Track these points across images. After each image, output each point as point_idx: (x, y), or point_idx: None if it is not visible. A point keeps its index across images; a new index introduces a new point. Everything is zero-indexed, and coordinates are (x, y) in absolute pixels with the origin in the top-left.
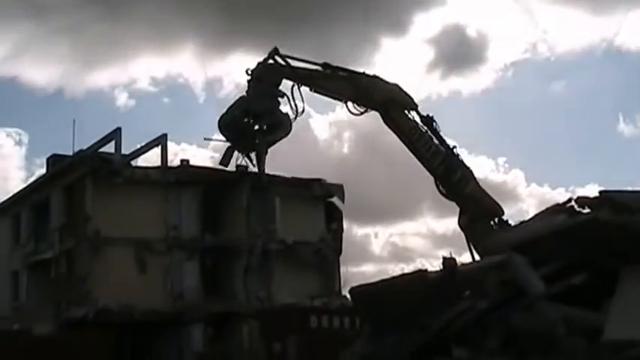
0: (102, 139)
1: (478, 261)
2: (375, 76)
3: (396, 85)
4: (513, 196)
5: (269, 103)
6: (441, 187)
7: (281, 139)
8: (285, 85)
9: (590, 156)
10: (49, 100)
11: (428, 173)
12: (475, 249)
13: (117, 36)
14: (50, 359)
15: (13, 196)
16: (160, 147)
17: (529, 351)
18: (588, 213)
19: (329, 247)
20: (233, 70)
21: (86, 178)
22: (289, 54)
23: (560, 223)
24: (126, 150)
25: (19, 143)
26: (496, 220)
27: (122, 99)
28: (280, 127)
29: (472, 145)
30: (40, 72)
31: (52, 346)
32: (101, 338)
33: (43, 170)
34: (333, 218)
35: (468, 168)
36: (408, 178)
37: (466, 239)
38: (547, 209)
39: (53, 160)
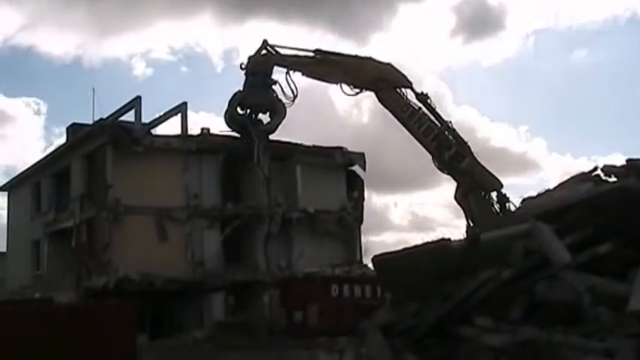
0: (121, 107)
1: (502, 230)
2: (367, 58)
3: (389, 65)
4: (535, 165)
5: (262, 93)
6: (436, 162)
7: (277, 125)
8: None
9: (613, 125)
10: (67, 69)
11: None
12: (472, 222)
13: (134, 3)
14: (73, 328)
15: (34, 165)
16: (179, 115)
17: (553, 321)
18: (615, 181)
19: (350, 216)
20: (251, 37)
21: (106, 146)
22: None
23: (586, 191)
24: (145, 119)
25: (37, 113)
26: (495, 194)
27: (140, 68)
28: (275, 113)
29: (493, 114)
30: (57, 41)
31: (75, 314)
32: (123, 307)
33: (63, 139)
34: (354, 187)
35: (465, 143)
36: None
37: (463, 212)
38: (572, 177)
39: (73, 129)
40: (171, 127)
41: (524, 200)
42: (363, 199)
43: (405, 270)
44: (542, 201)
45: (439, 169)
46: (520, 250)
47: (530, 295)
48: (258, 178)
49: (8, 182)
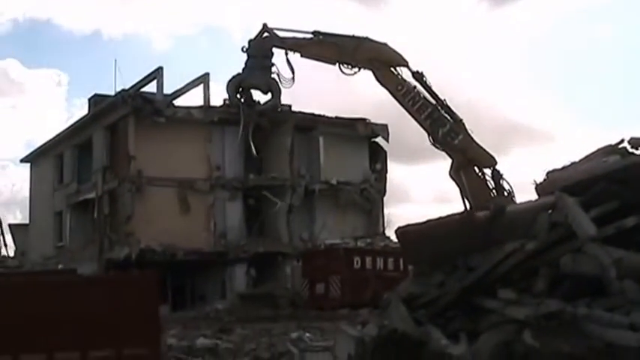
0: (143, 78)
1: (527, 202)
2: (364, 38)
3: (385, 45)
4: (561, 137)
5: (261, 75)
6: (431, 139)
7: (271, 106)
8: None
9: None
10: (88, 40)
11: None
12: (466, 197)
13: None
14: (96, 299)
15: (56, 136)
16: (202, 86)
17: (578, 294)
18: None
19: (373, 188)
20: (271, 9)
21: (128, 117)
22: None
23: (612, 163)
24: (167, 90)
25: (59, 84)
26: (489, 170)
27: (161, 40)
28: (272, 94)
29: (519, 84)
30: (78, 12)
31: (98, 285)
32: (146, 278)
33: (85, 111)
34: (377, 158)
35: (460, 120)
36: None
37: (458, 189)
38: (599, 150)
39: (95, 101)
40: (193, 99)
41: (549, 172)
42: (386, 171)
43: (428, 242)
44: (568, 173)
45: (434, 145)
46: (545, 222)
47: (554, 268)
48: (283, 147)
49: (30, 154)
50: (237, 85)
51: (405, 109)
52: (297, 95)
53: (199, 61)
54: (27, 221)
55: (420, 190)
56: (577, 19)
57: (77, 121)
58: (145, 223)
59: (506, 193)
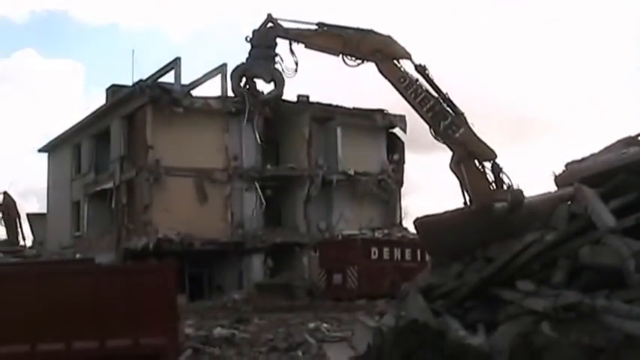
0: (161, 68)
1: (546, 193)
2: (368, 30)
3: (389, 37)
4: (577, 128)
5: (263, 65)
6: (432, 132)
7: (275, 96)
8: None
9: None
10: (105, 31)
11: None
12: (466, 190)
13: None
14: (114, 288)
15: (74, 126)
16: (219, 77)
17: (597, 286)
18: None
19: (390, 178)
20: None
21: (146, 107)
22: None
23: (632, 155)
24: (185, 81)
25: (76, 74)
26: (489, 164)
27: (178, 31)
28: (275, 84)
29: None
30: (95, 3)
31: (116, 274)
32: (163, 267)
33: (102, 101)
34: (395, 149)
35: (461, 114)
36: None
37: (458, 182)
38: (619, 141)
39: (112, 91)
40: (211, 89)
41: (568, 164)
42: (404, 162)
43: (447, 232)
44: (587, 164)
45: (435, 138)
46: (564, 213)
47: (573, 259)
48: (301, 137)
49: (48, 144)
50: (241, 74)
51: (407, 101)
52: (315, 86)
53: (217, 52)
54: (44, 211)
55: (438, 182)
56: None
57: (95, 111)
58: (163, 212)
59: (505, 187)
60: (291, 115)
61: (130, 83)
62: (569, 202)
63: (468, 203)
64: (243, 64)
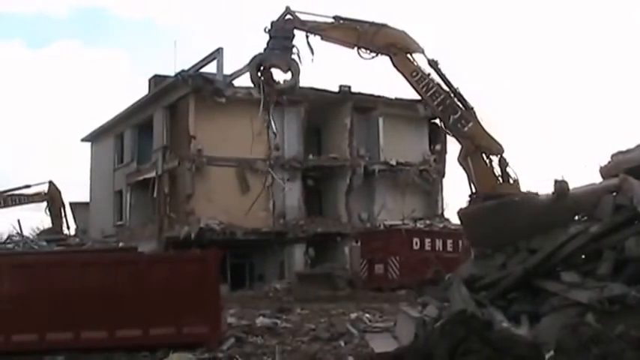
0: (203, 59)
1: (591, 184)
2: (383, 25)
3: (403, 32)
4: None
5: (280, 55)
6: (442, 125)
7: (290, 86)
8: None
9: None
10: (148, 22)
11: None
12: (473, 183)
13: None
14: (158, 276)
15: (116, 116)
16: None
17: None
18: None
19: (432, 169)
20: None
21: (189, 97)
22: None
23: None
24: (227, 71)
25: (119, 64)
26: (497, 158)
27: (220, 21)
28: (292, 74)
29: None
30: None
31: (160, 263)
32: (207, 256)
33: (145, 91)
34: (437, 139)
35: (471, 108)
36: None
37: (466, 175)
38: None
39: (155, 81)
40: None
41: (613, 154)
42: (446, 152)
43: (491, 223)
44: (632, 155)
45: (444, 130)
46: (609, 204)
47: (619, 251)
48: (342, 127)
49: (91, 133)
50: (258, 64)
51: (419, 94)
52: (357, 76)
53: (259, 42)
54: (87, 200)
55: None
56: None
57: (137, 101)
58: (205, 202)
59: (511, 181)
60: (333, 105)
61: (172, 73)
62: (614, 193)
63: (475, 194)
64: (260, 54)
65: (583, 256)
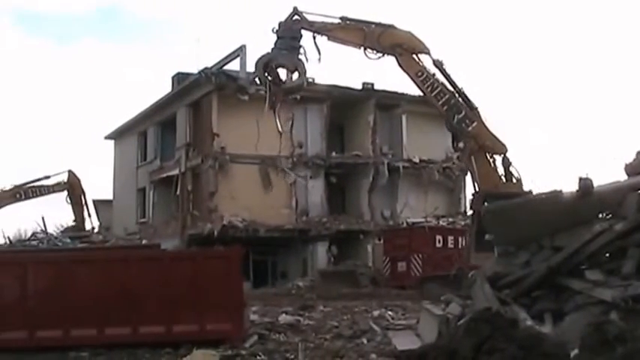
0: (226, 56)
1: (616, 181)
2: (389, 25)
3: (409, 32)
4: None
5: (287, 55)
6: (447, 124)
7: (297, 85)
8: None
9: None
10: (171, 19)
11: None
12: (476, 181)
13: None
14: (181, 273)
15: (140, 114)
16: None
17: None
18: None
19: (455, 166)
20: None
21: (212, 95)
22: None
23: None
24: (250, 68)
25: (142, 62)
26: (500, 157)
27: (242, 18)
28: (298, 73)
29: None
30: None
31: (183, 260)
32: (230, 253)
33: (168, 89)
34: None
35: (475, 108)
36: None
37: (470, 174)
38: None
39: (178, 78)
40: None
41: (639, 152)
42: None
43: (515, 220)
44: None
45: (449, 130)
46: (635, 202)
47: None
48: (365, 125)
49: (114, 131)
50: (266, 63)
51: (424, 94)
52: (380, 73)
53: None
54: (110, 197)
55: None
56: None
57: (161, 99)
58: (228, 199)
59: (515, 180)
60: (356, 102)
61: (195, 71)
62: (639, 191)
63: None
64: (268, 54)
65: (607, 254)
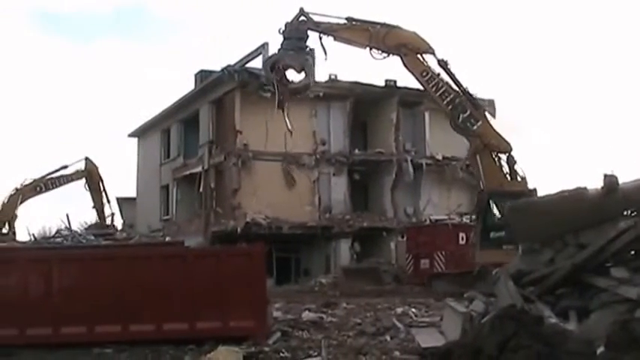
0: (249, 54)
1: None
2: (394, 26)
3: (414, 33)
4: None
5: (294, 55)
6: (452, 123)
7: (304, 85)
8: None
9: None
10: (194, 17)
11: None
12: (481, 180)
13: None
14: (205, 270)
15: (163, 111)
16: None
17: None
18: None
19: None
20: None
21: (235, 92)
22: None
23: None
24: None
25: (164, 59)
26: (505, 156)
27: (265, 18)
28: (305, 73)
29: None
30: None
31: (207, 257)
32: (253, 250)
33: (190, 86)
34: None
35: (480, 107)
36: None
37: (476, 172)
38: None
39: (201, 76)
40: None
41: None
42: None
43: (539, 218)
44: None
45: (454, 129)
46: None
47: None
48: (388, 122)
49: (138, 129)
50: (273, 64)
51: (429, 93)
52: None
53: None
54: (134, 195)
55: (527, 166)
56: None
57: (183, 97)
58: (251, 196)
59: (519, 178)
60: (379, 99)
61: (218, 69)
62: None
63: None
64: (275, 54)
65: (632, 252)
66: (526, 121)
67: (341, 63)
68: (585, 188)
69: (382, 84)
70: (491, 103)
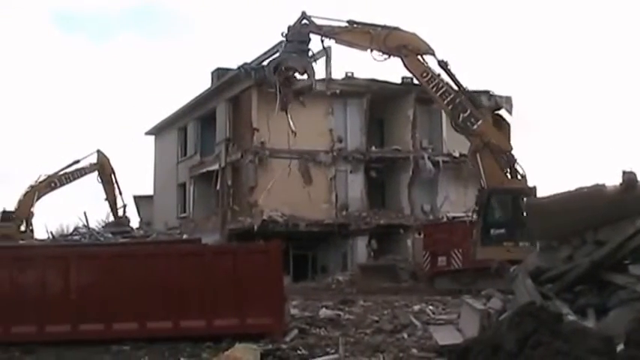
0: (266, 51)
1: None
2: (394, 28)
3: (414, 34)
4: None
5: (297, 58)
6: (452, 123)
7: (307, 88)
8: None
9: None
10: (209, 14)
11: None
12: (482, 178)
13: None
14: (222, 268)
15: (180, 109)
16: (324, 59)
17: None
18: None
19: None
20: None
21: (251, 90)
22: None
23: None
24: None
25: (181, 57)
26: (506, 155)
27: (282, 14)
28: (308, 75)
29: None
30: None
31: (224, 254)
32: (270, 247)
33: (207, 84)
34: (501, 130)
35: (480, 107)
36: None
37: (476, 171)
38: None
39: (218, 74)
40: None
41: None
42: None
43: (557, 215)
44: None
45: (454, 128)
46: None
47: None
48: (405, 119)
49: (155, 127)
50: (276, 66)
51: (430, 94)
52: None
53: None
54: (151, 192)
55: (545, 163)
56: None
57: (200, 94)
58: (268, 194)
59: (519, 177)
60: (396, 97)
61: (234, 66)
62: None
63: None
64: (278, 57)
65: None
66: (544, 118)
67: (357, 60)
68: (604, 185)
69: (399, 81)
70: (508, 100)
